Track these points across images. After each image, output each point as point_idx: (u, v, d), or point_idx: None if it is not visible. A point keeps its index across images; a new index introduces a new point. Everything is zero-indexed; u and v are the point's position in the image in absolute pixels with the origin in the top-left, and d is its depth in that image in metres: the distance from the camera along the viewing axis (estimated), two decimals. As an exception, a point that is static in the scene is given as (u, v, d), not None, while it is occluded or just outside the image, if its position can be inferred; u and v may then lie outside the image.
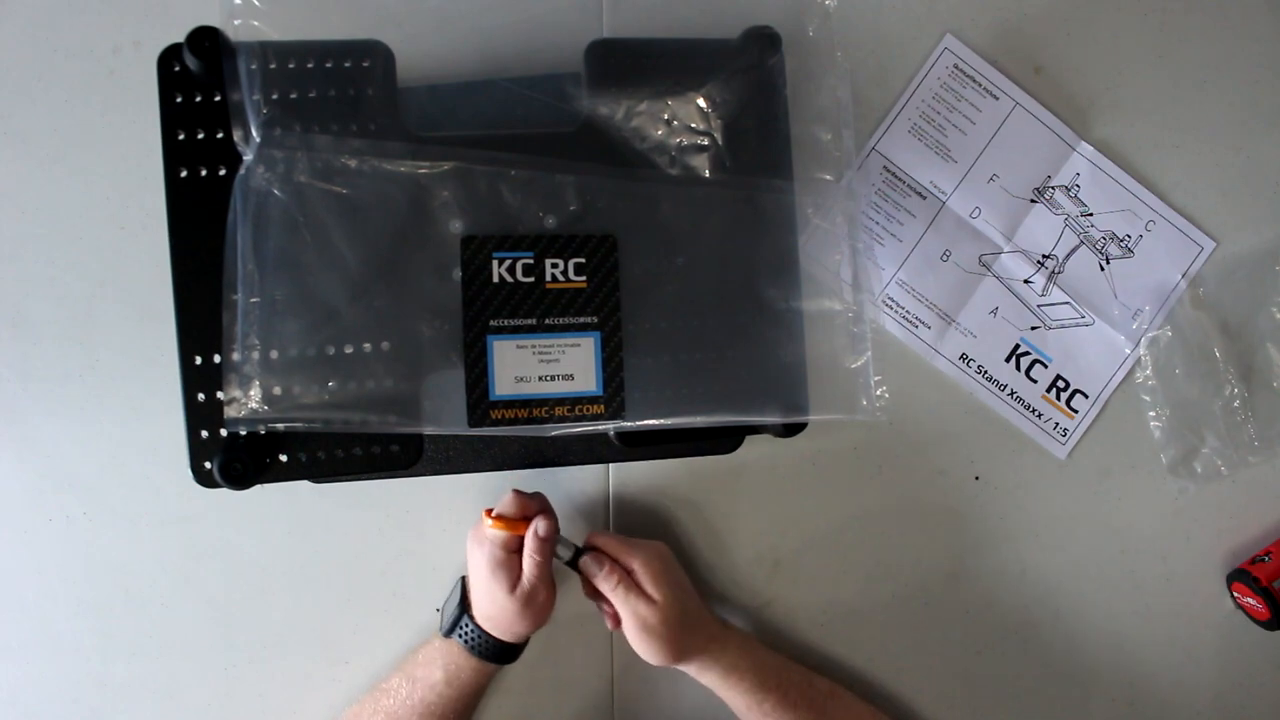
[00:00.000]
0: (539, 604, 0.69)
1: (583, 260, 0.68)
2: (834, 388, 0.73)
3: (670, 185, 0.70)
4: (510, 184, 0.67)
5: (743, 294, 0.70)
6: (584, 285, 0.68)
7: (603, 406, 0.68)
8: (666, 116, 0.70)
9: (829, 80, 0.74)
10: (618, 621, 0.71)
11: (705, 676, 0.74)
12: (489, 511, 0.69)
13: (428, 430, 0.66)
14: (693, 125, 0.70)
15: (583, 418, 0.67)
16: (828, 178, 0.74)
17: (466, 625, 0.71)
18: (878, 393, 0.73)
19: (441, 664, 0.72)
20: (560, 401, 0.67)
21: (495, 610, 0.69)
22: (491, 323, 0.67)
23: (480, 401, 0.66)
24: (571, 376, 0.67)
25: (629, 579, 0.70)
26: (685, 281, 0.69)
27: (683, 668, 0.73)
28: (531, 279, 0.67)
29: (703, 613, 0.74)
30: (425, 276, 0.66)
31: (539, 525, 0.69)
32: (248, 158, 0.64)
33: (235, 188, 0.63)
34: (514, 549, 0.69)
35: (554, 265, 0.67)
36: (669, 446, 0.79)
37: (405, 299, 0.66)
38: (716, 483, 0.82)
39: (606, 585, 0.70)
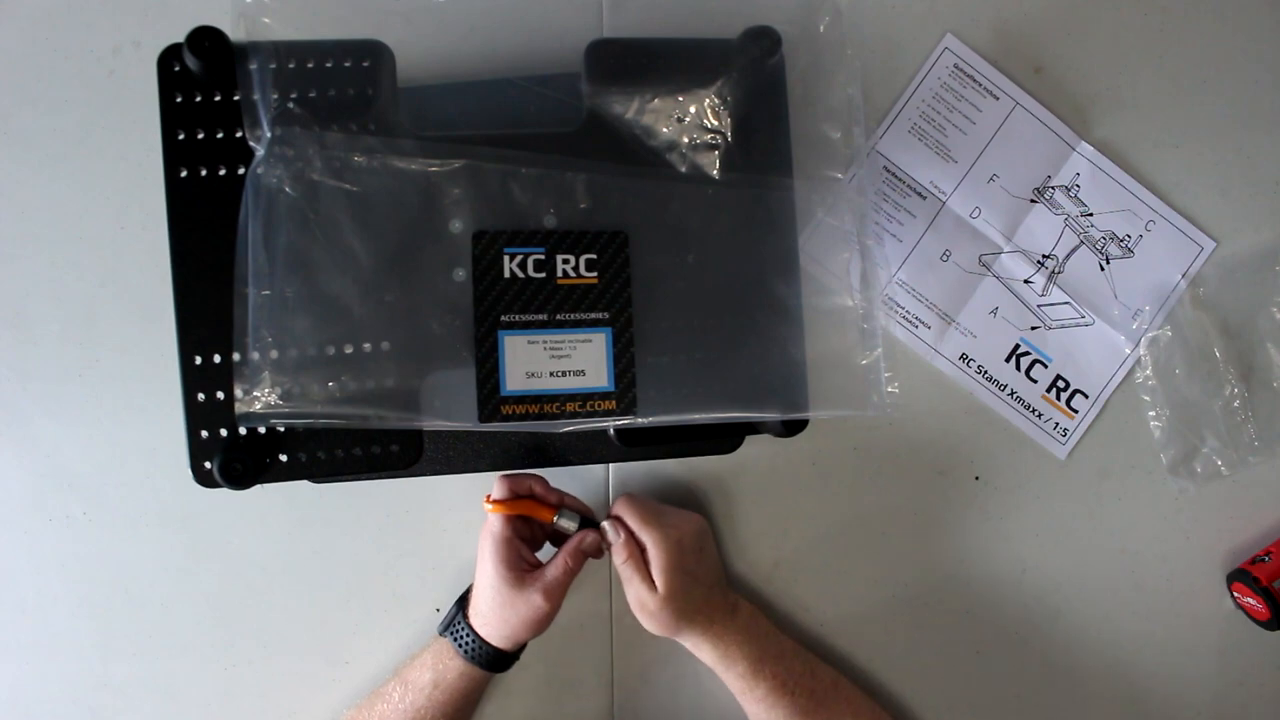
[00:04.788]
0: (540, 610, 0.68)
1: (594, 256, 0.68)
2: (844, 384, 0.73)
3: (680, 183, 0.70)
4: (521, 181, 0.67)
5: (750, 291, 0.70)
6: (595, 281, 0.68)
7: (614, 403, 0.67)
8: (677, 115, 0.70)
9: (840, 78, 0.74)
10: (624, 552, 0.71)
11: (701, 654, 0.75)
12: (488, 498, 0.69)
13: (439, 426, 0.66)
14: (704, 124, 0.70)
15: (594, 414, 0.67)
16: (837, 175, 0.74)
17: (459, 624, 0.71)
18: (889, 389, 0.73)
19: (431, 665, 0.72)
20: (572, 397, 0.67)
21: (488, 604, 0.69)
22: (503, 318, 0.66)
23: (491, 397, 0.66)
24: (583, 372, 0.67)
25: (640, 557, 0.71)
26: (695, 278, 0.70)
27: (679, 640, 0.74)
28: (543, 274, 0.67)
29: (711, 596, 0.73)
30: (436, 273, 0.66)
31: (588, 539, 0.70)
32: (259, 154, 0.64)
33: (247, 184, 0.63)
34: (520, 534, 0.70)
35: (565, 261, 0.67)
36: (669, 446, 0.79)
37: (416, 295, 0.66)
38: (716, 483, 0.82)
39: (617, 558, 0.71)
